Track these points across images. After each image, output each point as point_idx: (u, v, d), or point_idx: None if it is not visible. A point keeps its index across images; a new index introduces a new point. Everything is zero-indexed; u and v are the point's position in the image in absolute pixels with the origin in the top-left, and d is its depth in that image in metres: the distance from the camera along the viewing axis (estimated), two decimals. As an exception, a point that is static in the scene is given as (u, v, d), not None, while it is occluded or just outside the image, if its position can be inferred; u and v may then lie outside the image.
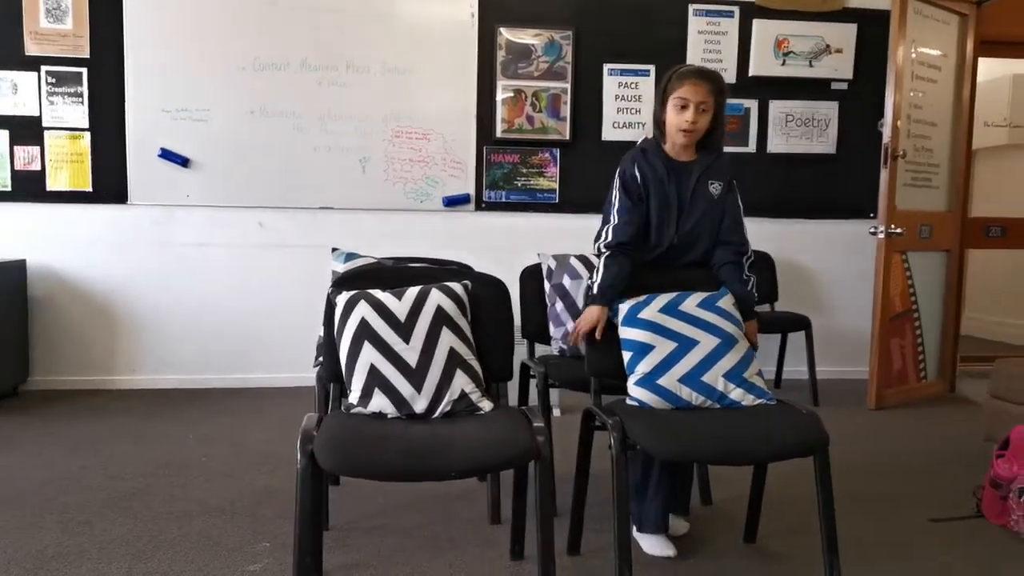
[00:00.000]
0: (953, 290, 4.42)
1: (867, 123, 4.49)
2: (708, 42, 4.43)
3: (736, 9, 4.43)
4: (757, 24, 4.44)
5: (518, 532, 2.15)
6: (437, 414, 1.95)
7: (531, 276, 2.93)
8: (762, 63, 4.44)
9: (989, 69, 5.64)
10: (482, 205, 4.40)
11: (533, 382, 2.70)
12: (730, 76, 4.42)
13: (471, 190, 4.38)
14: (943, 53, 4.21)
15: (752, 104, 4.51)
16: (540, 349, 2.91)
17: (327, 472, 1.95)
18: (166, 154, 4.11)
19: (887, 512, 2.51)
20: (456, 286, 2.09)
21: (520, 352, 2.88)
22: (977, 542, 2.35)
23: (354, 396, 1.94)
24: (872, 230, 3.92)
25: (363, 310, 1.97)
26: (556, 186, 4.44)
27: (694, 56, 4.42)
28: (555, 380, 2.62)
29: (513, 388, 2.71)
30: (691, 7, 4.41)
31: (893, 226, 3.85)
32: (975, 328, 6.12)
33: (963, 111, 4.34)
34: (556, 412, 3.83)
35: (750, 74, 4.45)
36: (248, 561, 2.14)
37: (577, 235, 4.38)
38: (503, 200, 4.42)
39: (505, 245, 4.24)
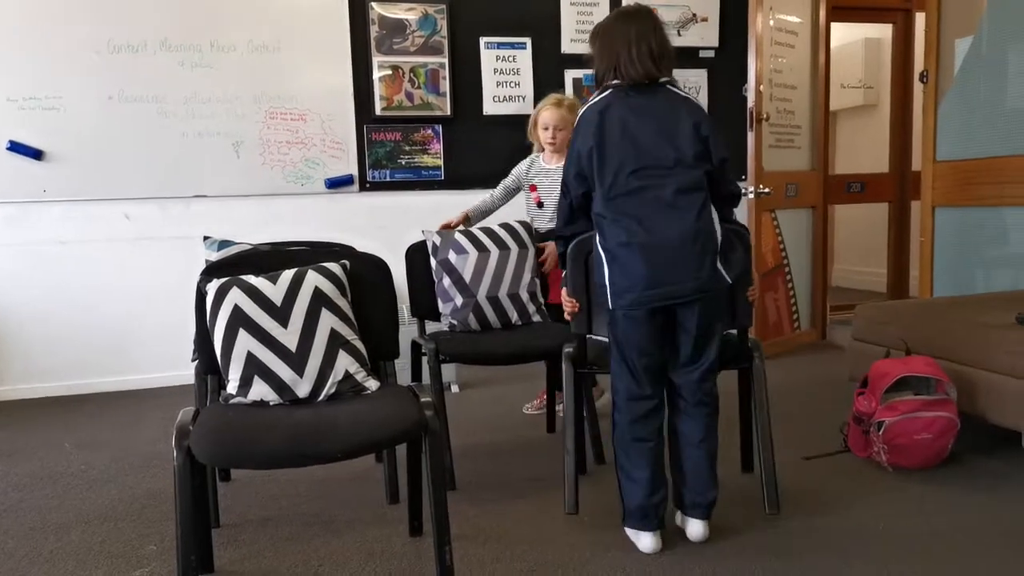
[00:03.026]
0: (820, 244, 4.71)
1: (734, 89, 4.69)
2: (580, 13, 4.49)
3: (606, -20, 4.51)
4: (626, -6, 4.54)
5: (415, 508, 2.15)
6: (321, 397, 1.91)
7: (417, 253, 2.92)
8: (634, 33, 4.54)
9: (843, 34, 6.00)
10: (366, 185, 4.32)
11: (425, 360, 2.69)
12: (604, 47, 4.50)
13: (354, 171, 4.29)
14: (799, 19, 4.44)
15: (627, 74, 4.61)
16: (431, 326, 2.91)
17: (208, 466, 1.90)
18: (15, 147, 3.81)
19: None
20: (334, 266, 2.05)
21: (412, 331, 2.88)
22: (846, 475, 2.53)
23: (232, 386, 1.88)
24: (743, 191, 4.11)
25: (236, 296, 1.90)
26: (441, 163, 4.41)
27: (568, 28, 4.48)
28: (446, 356, 2.62)
29: (406, 368, 2.72)
30: (562, -22, 4.45)
31: (761, 186, 4.05)
32: (843, 279, 6.56)
33: (820, 74, 4.60)
34: (454, 388, 3.84)
35: (623, 44, 4.55)
36: (133, 566, 2.05)
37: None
38: (388, 179, 4.36)
39: (392, 225, 4.18)
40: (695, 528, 2.07)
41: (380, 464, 2.63)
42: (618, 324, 2.02)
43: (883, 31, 5.75)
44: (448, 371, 3.78)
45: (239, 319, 1.89)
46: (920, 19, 4.73)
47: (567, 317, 2.24)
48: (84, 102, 3.89)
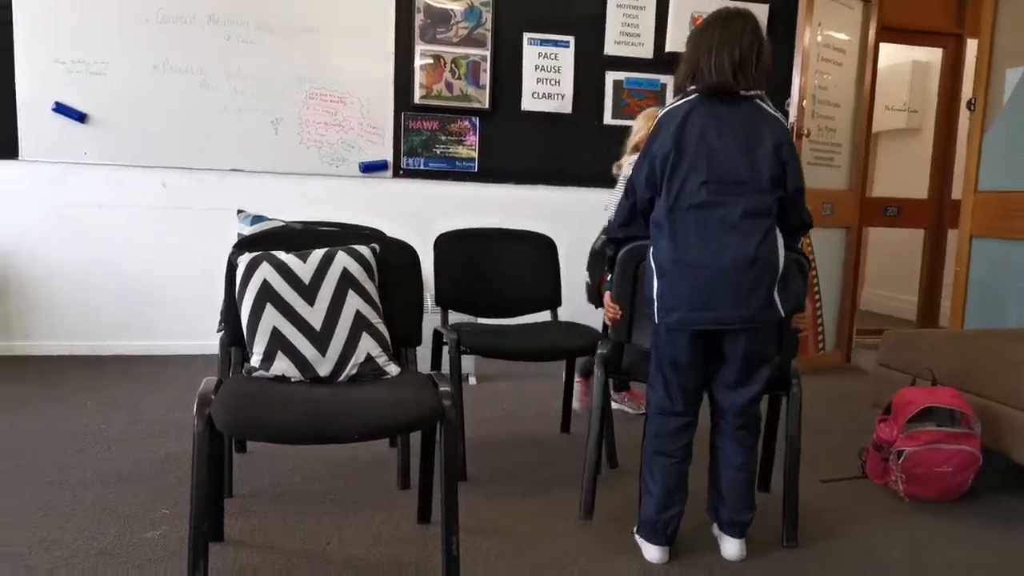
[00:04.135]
0: (851, 266, 4.64)
1: (776, 102, 4.62)
2: (627, 16, 4.46)
3: (655, -16, 4.48)
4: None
5: (425, 496, 2.16)
6: (342, 377, 1.92)
7: (447, 242, 2.92)
8: (678, 39, 4.50)
9: (891, 55, 5.90)
10: (400, 172, 4.34)
11: (446, 350, 2.70)
12: (647, 51, 4.48)
13: (389, 156, 4.31)
14: (848, 37, 4.37)
15: (669, 80, 4.57)
16: (454, 316, 2.91)
17: (227, 436, 1.92)
18: (61, 108, 3.88)
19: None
20: (363, 249, 2.06)
21: (435, 320, 2.88)
22: (862, 501, 2.50)
23: (255, 359, 1.89)
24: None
25: (265, 271, 1.92)
26: (475, 155, 4.42)
27: (612, 30, 4.45)
28: (467, 347, 2.62)
29: (426, 356, 2.73)
30: (610, -20, 4.43)
31: (797, 202, 4.00)
32: (872, 303, 6.46)
33: (865, 94, 4.54)
34: (472, 380, 3.85)
35: (666, 50, 4.51)
36: (146, 528, 2.08)
37: (495, 205, 4.40)
38: (421, 167, 4.37)
39: (423, 212, 4.21)
40: (730, 546, 2.06)
41: (394, 449, 2.64)
42: (660, 338, 1.98)
43: (932, 55, 5.65)
44: (467, 362, 3.78)
45: (267, 294, 1.91)
46: (972, 45, 4.64)
47: (608, 322, 2.19)
48: (130, 69, 3.94)
